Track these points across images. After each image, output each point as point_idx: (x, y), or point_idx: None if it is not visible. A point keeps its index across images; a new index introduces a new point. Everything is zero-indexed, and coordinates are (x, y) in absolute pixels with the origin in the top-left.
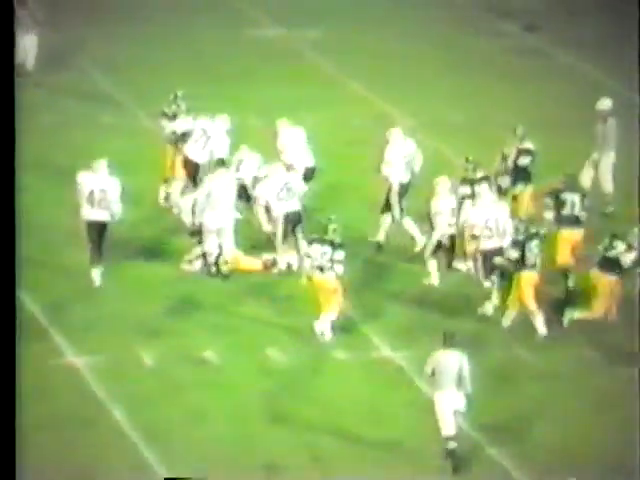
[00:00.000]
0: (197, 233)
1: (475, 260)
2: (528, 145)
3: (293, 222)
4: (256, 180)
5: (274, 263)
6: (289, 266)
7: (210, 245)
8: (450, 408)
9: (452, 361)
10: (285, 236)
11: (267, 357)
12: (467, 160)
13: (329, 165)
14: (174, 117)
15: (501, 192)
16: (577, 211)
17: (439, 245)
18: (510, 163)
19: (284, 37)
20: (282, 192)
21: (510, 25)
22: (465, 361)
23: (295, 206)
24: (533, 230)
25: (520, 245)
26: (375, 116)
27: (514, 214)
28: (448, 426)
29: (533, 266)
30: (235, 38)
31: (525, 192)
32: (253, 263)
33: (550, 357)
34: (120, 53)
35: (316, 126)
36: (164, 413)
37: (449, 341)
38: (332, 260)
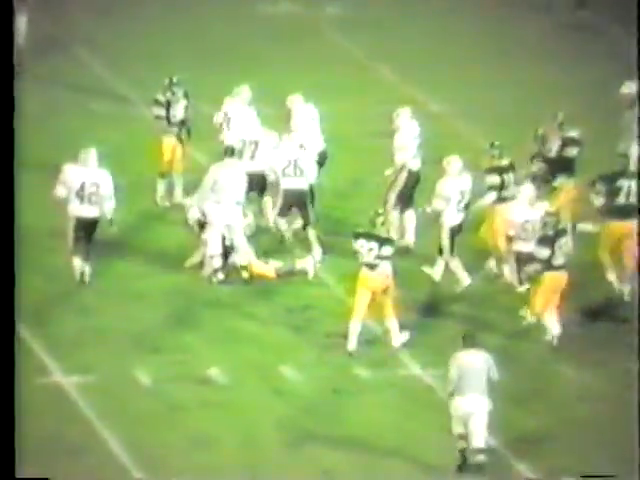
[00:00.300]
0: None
1: (507, 262)
2: (573, 134)
3: (296, 201)
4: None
5: (289, 273)
6: (305, 272)
7: (213, 245)
8: (471, 414)
9: (478, 362)
10: (282, 214)
11: (280, 375)
12: (492, 145)
13: (352, 158)
14: (167, 105)
15: (536, 181)
16: (633, 200)
17: (453, 237)
18: (553, 153)
19: (300, 14)
20: (289, 168)
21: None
22: (492, 362)
23: (301, 184)
24: (562, 226)
25: (549, 242)
26: (404, 103)
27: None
28: (478, 438)
29: (561, 267)
30: (245, 16)
31: (567, 186)
32: (266, 269)
33: (595, 374)
34: (114, 33)
35: (337, 115)
36: (163, 438)
37: (470, 341)
38: (380, 257)
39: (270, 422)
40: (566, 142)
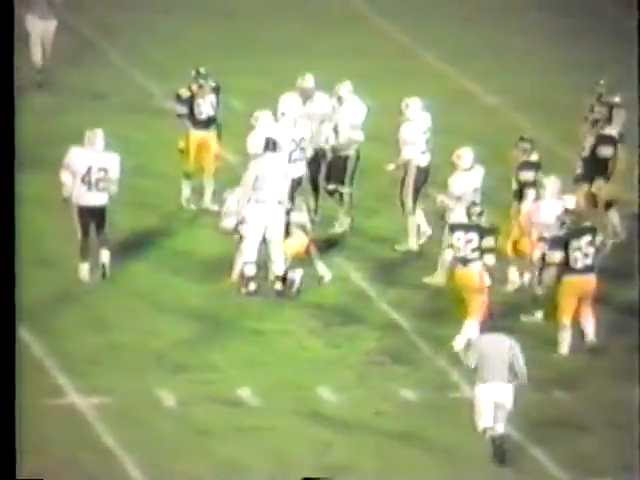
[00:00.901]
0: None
1: (536, 267)
2: (611, 132)
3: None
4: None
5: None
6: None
7: (249, 251)
8: (492, 402)
9: (501, 347)
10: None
11: (317, 396)
12: (522, 139)
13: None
14: (191, 100)
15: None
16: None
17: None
18: (587, 152)
19: None
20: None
21: None
22: (517, 346)
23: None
24: (587, 224)
25: (561, 244)
26: (453, 93)
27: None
28: (486, 418)
29: (582, 270)
30: (281, 0)
31: (604, 189)
32: (298, 242)
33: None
34: (133, 20)
35: (380, 105)
36: (188, 466)
37: (490, 323)
38: (480, 249)
39: (306, 448)
40: (601, 140)
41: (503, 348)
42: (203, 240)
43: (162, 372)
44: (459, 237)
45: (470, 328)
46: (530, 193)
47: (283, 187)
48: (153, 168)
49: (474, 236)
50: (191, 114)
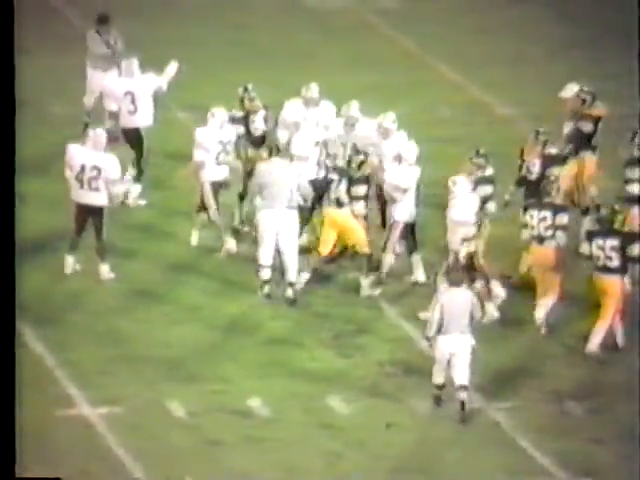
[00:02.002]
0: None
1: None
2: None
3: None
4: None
5: None
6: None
7: (263, 255)
8: (449, 354)
9: (464, 299)
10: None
11: (328, 407)
12: (478, 153)
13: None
14: (246, 118)
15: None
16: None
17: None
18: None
19: (352, 8)
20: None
21: None
22: (476, 300)
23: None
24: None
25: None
26: (468, 105)
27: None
28: (438, 373)
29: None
30: (292, 11)
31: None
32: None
33: None
34: (147, 30)
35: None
36: (198, 476)
37: (454, 279)
38: (554, 226)
39: (316, 459)
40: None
41: (465, 300)
42: (214, 250)
43: (172, 383)
44: (532, 215)
45: (548, 304)
46: (490, 206)
47: (292, 192)
48: (168, 180)
49: (548, 214)
50: (247, 133)
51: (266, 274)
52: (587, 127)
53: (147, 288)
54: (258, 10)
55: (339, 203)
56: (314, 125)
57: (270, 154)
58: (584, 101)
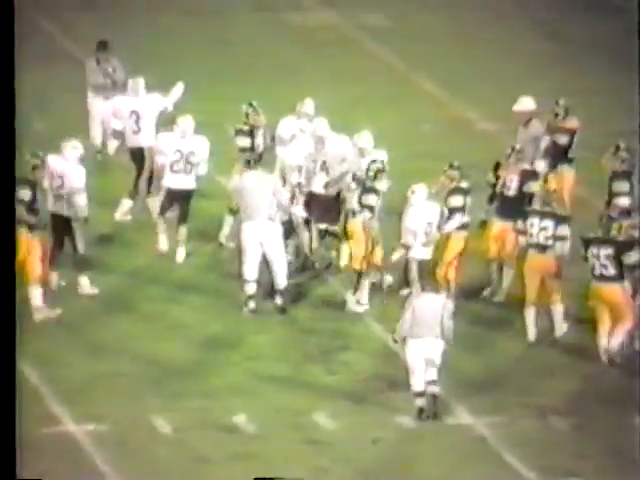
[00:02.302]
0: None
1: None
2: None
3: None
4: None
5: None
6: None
7: (247, 270)
8: (423, 359)
9: (435, 304)
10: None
11: (314, 423)
12: (452, 166)
13: (395, 183)
14: (251, 132)
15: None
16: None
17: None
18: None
19: (335, 24)
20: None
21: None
22: (450, 305)
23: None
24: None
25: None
26: (450, 120)
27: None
28: (418, 380)
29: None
30: (274, 26)
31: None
32: None
33: None
34: (130, 45)
35: (377, 135)
36: None
37: (428, 285)
38: (555, 237)
39: (302, 475)
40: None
41: (437, 306)
42: (201, 267)
43: (158, 399)
44: (533, 224)
45: (556, 314)
46: (457, 217)
47: (271, 203)
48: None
49: (549, 223)
50: (251, 148)
51: (251, 289)
52: (563, 140)
53: (131, 304)
54: (241, 26)
55: (353, 213)
56: (307, 138)
57: (249, 166)
58: (557, 114)
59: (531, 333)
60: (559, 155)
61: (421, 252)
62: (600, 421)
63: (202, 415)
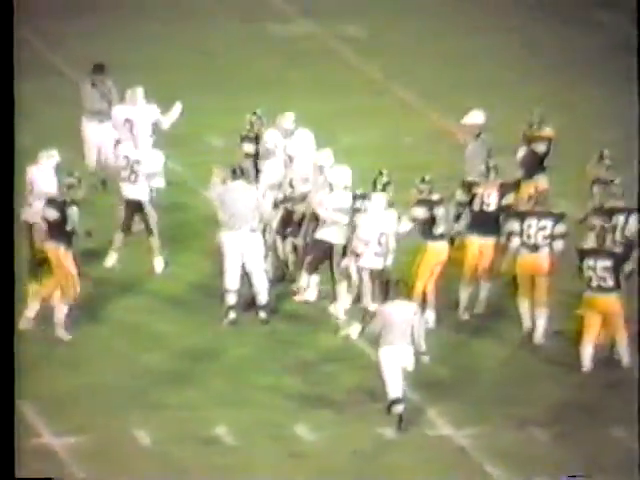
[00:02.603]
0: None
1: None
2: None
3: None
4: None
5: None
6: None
7: (228, 279)
8: (397, 366)
9: (406, 312)
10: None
11: (295, 435)
12: (423, 181)
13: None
14: (256, 140)
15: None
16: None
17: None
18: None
19: (316, 35)
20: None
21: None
22: (419, 315)
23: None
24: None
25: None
26: (430, 133)
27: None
28: (394, 387)
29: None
30: (255, 37)
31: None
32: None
33: None
34: (117, 55)
35: (356, 145)
36: None
37: (398, 292)
38: (552, 235)
39: None
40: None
41: (408, 314)
42: (179, 279)
43: (138, 411)
44: (530, 224)
45: (540, 318)
46: (407, 225)
47: (253, 214)
48: None
49: (548, 223)
50: (255, 155)
51: (231, 299)
52: (540, 148)
53: (110, 316)
54: (222, 36)
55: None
56: (281, 154)
57: (235, 175)
58: (532, 125)
59: (526, 324)
60: (536, 164)
61: (373, 261)
62: (581, 432)
63: (182, 427)
